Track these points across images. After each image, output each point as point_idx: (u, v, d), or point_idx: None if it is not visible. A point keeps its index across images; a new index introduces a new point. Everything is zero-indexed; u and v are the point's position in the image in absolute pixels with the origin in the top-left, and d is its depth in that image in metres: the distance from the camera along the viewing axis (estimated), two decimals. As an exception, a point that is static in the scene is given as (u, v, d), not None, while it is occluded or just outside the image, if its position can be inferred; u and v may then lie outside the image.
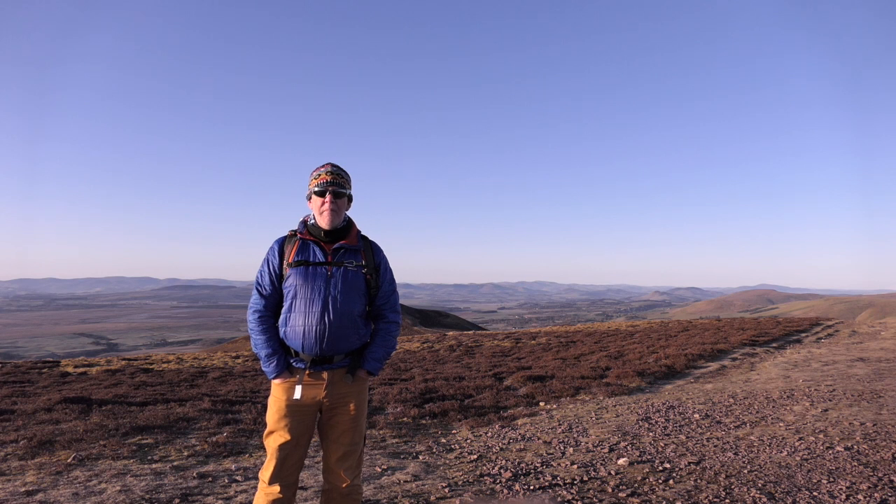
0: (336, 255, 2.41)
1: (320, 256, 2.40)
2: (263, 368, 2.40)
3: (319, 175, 2.42)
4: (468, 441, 5.14)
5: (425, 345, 18.42)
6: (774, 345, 13.76)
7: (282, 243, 2.46)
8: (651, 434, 5.20)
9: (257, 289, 2.45)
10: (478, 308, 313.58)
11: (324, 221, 2.40)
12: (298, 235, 2.44)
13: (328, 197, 2.38)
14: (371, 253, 2.51)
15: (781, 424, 5.44)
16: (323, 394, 2.37)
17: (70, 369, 12.53)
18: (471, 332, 29.32)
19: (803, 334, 16.57)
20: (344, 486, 2.36)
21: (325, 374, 2.38)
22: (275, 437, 2.36)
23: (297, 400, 2.34)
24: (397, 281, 2.63)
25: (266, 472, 2.35)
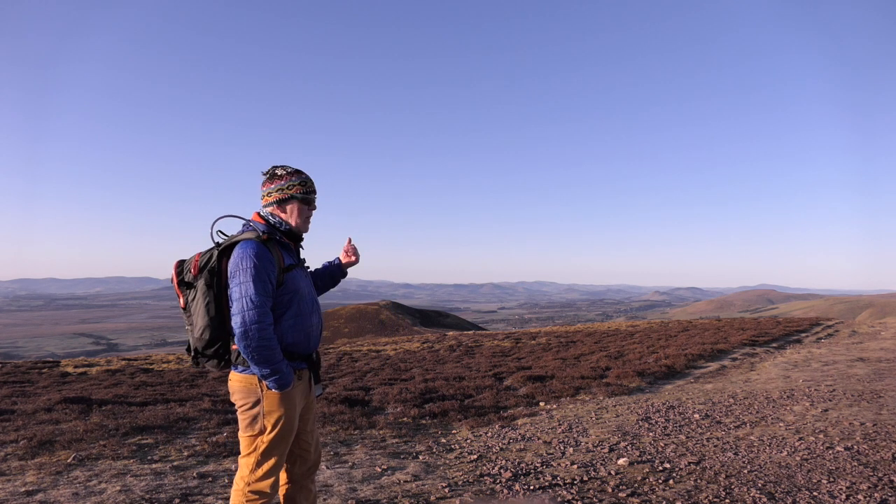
0: (299, 257, 2.56)
1: (297, 259, 2.50)
2: (279, 381, 2.22)
3: (305, 182, 2.45)
4: (468, 441, 5.14)
5: (425, 345, 18.42)
6: (774, 345, 13.75)
7: (266, 248, 2.29)
8: (651, 434, 5.20)
9: (265, 300, 2.21)
10: (478, 308, 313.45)
11: (306, 228, 2.52)
12: (278, 238, 2.40)
13: (313, 206, 2.53)
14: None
15: (781, 424, 5.44)
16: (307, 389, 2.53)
17: (70, 369, 12.54)
18: (471, 332, 29.31)
19: (803, 334, 16.56)
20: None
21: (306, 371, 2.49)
22: (284, 448, 2.32)
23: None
24: (399, 281, 2.71)
25: (266, 483, 2.27)
